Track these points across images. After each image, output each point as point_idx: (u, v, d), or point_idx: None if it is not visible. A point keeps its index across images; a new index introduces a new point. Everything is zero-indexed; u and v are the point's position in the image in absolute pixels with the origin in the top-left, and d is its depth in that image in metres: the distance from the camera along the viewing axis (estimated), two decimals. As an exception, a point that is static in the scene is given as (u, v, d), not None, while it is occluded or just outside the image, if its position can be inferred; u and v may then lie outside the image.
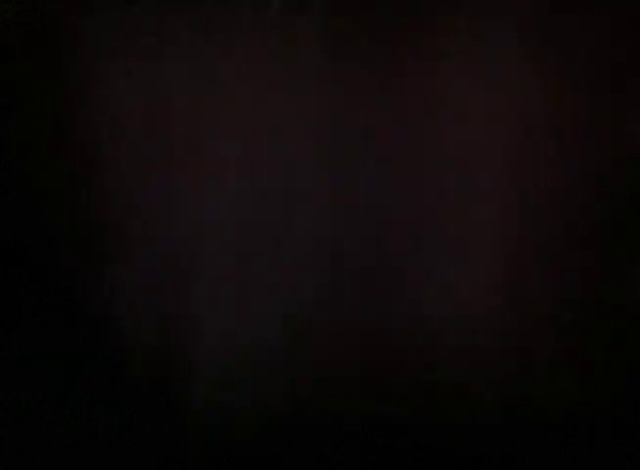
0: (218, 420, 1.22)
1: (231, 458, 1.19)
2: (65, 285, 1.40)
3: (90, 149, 1.47)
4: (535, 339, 1.27)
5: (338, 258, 1.36)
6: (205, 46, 1.41)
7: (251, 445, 1.20)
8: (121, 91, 1.42)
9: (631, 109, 1.25)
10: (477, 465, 1.17)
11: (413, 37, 1.32)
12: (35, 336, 1.34)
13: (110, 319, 1.35)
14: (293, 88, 1.44)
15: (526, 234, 1.27)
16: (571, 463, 1.16)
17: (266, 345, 1.30)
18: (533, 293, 1.32)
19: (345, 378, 1.26)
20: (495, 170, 1.28)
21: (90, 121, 1.45)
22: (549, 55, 1.26)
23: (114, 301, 1.38)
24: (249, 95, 1.45)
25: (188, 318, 1.34)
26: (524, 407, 1.21)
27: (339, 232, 1.35)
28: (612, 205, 1.24)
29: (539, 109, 1.26)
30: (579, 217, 1.26)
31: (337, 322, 1.33)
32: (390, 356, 1.28)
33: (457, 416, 1.21)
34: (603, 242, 1.30)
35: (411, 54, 1.31)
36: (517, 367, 1.25)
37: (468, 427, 1.20)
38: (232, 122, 1.47)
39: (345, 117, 1.35)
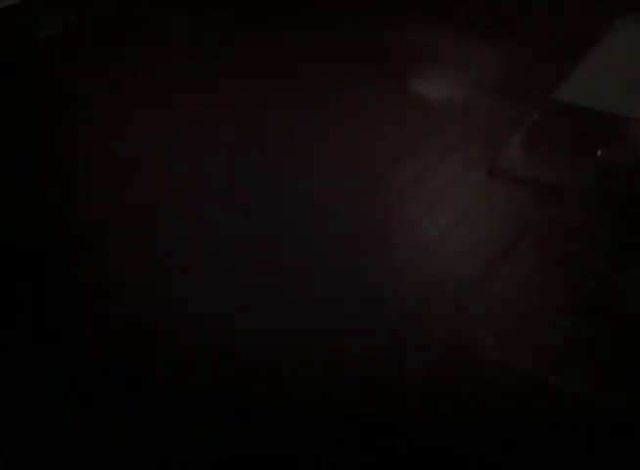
0: (218, 420, 1.22)
1: (231, 458, 1.19)
2: (63, 285, 1.40)
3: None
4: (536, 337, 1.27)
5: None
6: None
7: (251, 444, 1.20)
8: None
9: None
10: (477, 465, 1.17)
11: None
12: (34, 335, 1.34)
13: (109, 319, 1.35)
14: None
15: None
16: (570, 463, 1.16)
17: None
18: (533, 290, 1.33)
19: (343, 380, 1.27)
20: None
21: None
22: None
23: (113, 301, 1.38)
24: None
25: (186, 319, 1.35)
26: (524, 408, 1.21)
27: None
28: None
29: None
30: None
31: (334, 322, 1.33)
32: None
33: (457, 416, 1.21)
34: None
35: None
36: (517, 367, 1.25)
37: (468, 427, 1.20)
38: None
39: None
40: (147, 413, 1.23)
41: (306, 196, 1.55)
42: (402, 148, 1.66)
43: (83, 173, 1.58)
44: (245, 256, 1.45)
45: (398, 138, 1.69)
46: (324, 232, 1.48)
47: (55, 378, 1.29)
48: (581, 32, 1.67)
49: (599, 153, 1.15)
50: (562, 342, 1.27)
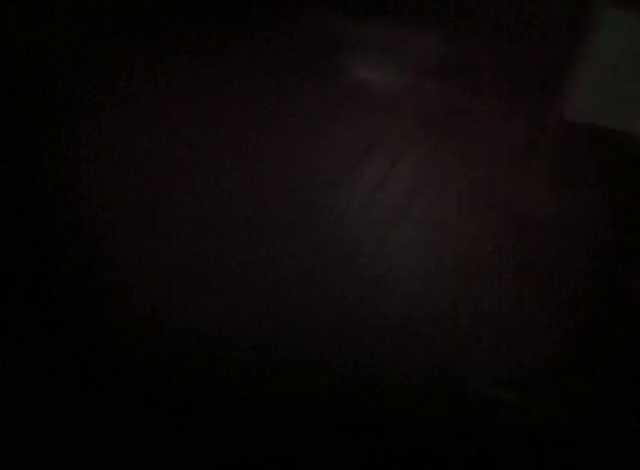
0: (218, 420, 1.22)
1: (230, 459, 1.19)
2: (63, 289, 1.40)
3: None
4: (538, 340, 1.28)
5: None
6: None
7: (249, 445, 1.20)
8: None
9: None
10: (475, 465, 1.17)
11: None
12: (34, 336, 1.34)
13: (109, 319, 1.36)
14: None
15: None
16: (571, 464, 1.16)
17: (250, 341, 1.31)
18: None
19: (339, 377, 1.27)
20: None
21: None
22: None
23: (112, 303, 1.38)
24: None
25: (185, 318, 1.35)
26: (525, 408, 1.22)
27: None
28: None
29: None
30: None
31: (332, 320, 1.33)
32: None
33: (456, 416, 1.21)
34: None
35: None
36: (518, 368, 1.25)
37: (467, 427, 1.20)
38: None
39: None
40: (147, 413, 1.23)
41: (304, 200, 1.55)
42: (383, 153, 1.67)
43: (83, 173, 1.59)
44: (243, 257, 1.45)
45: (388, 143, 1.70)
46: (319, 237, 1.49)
47: (55, 378, 1.29)
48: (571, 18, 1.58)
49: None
50: (546, 353, 1.28)
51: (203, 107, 1.67)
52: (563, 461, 1.17)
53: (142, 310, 1.38)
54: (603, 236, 1.35)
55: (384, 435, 1.22)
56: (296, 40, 1.76)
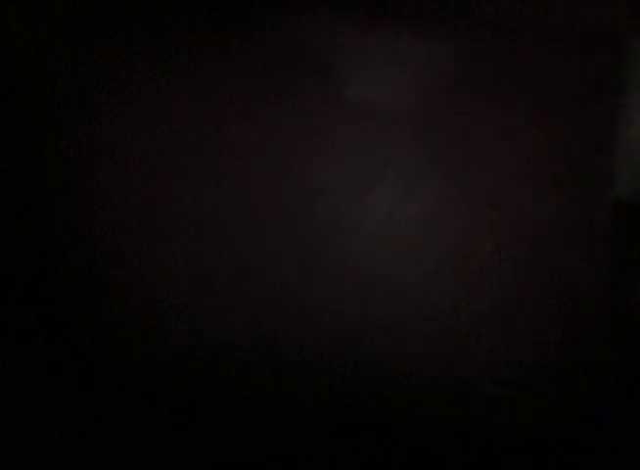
0: (218, 420, 1.23)
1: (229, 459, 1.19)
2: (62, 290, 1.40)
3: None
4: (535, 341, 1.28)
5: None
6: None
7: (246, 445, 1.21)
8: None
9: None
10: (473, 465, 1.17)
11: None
12: (33, 336, 1.35)
13: (109, 319, 1.36)
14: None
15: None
16: (570, 464, 1.16)
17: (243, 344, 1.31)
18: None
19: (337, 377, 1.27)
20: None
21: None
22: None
23: (110, 304, 1.38)
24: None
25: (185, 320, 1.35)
26: (524, 409, 1.22)
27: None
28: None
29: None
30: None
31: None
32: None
33: (455, 416, 1.22)
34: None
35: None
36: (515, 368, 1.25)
37: (467, 427, 1.20)
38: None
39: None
40: (147, 413, 1.24)
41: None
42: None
43: (83, 173, 1.59)
44: (243, 257, 1.45)
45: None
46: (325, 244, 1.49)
47: (54, 378, 1.30)
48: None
49: None
50: (542, 357, 1.28)
51: (203, 107, 1.67)
52: (563, 461, 1.17)
53: (142, 310, 1.38)
54: (602, 236, 1.35)
55: (384, 435, 1.22)
56: (296, 40, 1.75)
